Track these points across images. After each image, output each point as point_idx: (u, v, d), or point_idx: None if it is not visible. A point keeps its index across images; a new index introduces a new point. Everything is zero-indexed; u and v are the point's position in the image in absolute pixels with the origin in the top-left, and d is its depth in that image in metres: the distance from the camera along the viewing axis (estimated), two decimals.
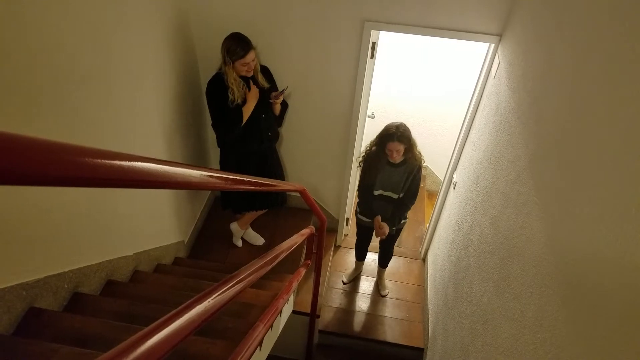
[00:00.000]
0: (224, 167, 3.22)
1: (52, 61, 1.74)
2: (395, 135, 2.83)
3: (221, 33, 2.80)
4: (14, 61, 1.56)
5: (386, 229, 3.12)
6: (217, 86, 2.82)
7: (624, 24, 1.28)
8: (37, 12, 1.64)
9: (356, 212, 3.48)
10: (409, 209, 3.21)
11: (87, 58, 1.96)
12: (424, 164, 3.14)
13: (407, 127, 2.89)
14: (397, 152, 2.88)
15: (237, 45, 2.68)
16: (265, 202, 3.50)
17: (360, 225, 3.56)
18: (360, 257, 3.93)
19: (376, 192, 3.15)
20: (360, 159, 3.17)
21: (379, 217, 3.14)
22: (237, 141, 3.04)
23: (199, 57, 3.26)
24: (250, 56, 2.73)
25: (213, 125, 2.98)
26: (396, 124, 2.88)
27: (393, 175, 3.04)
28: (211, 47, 3.08)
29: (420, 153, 3.02)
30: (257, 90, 2.90)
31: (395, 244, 3.65)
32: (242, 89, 2.84)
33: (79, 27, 1.88)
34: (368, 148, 3.10)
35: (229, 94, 2.80)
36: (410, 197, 3.14)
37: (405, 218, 3.35)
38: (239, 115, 2.85)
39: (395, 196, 3.13)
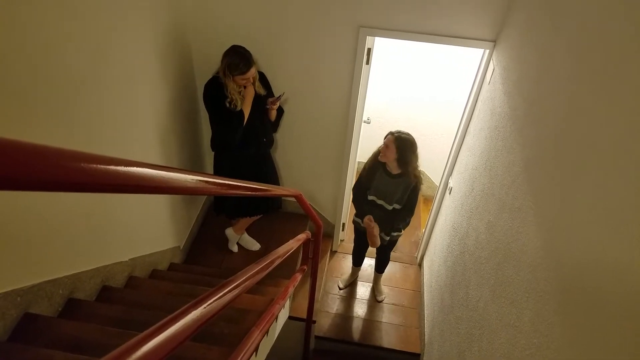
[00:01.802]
0: (218, 172, 3.22)
1: (48, 66, 1.74)
2: (395, 133, 2.84)
3: (218, 41, 2.81)
4: (10, 66, 1.56)
5: (376, 229, 3.08)
6: (216, 89, 2.83)
7: (619, 27, 1.29)
8: (34, 18, 1.63)
9: (354, 216, 3.46)
10: (405, 222, 3.17)
11: (84, 64, 1.96)
12: (422, 171, 3.11)
13: (413, 140, 2.88)
14: (386, 149, 2.87)
15: (239, 61, 2.70)
16: (260, 207, 3.49)
17: (357, 231, 3.56)
18: (357, 262, 3.93)
19: (370, 197, 3.14)
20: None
21: (370, 217, 3.07)
22: (233, 146, 3.04)
23: (195, 63, 3.27)
24: (252, 72, 2.75)
25: (215, 129, 2.98)
26: (405, 131, 2.89)
27: (389, 185, 3.01)
28: (208, 55, 3.09)
29: (420, 172, 3.00)
30: (252, 87, 2.91)
31: (392, 250, 3.64)
32: (240, 94, 2.85)
33: (77, 33, 1.88)
34: (375, 151, 3.09)
35: (227, 103, 2.81)
36: (407, 212, 3.10)
37: (400, 231, 3.33)
38: (240, 114, 2.86)
39: (389, 207, 3.08)
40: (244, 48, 2.74)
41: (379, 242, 3.18)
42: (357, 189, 3.20)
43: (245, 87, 2.86)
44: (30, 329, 1.78)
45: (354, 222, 3.44)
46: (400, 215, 3.11)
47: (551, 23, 1.87)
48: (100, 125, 2.15)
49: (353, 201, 3.28)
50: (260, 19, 2.94)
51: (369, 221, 3.04)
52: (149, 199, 2.82)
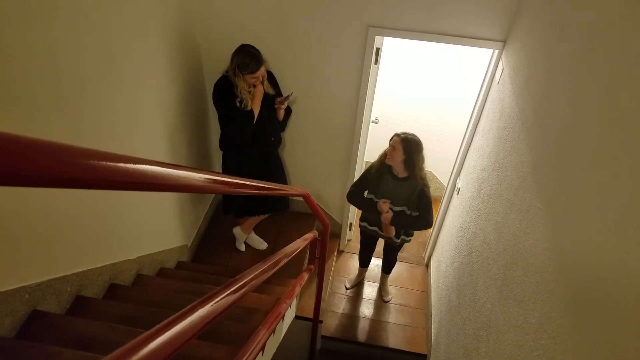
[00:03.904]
0: (225, 171, 3.23)
1: (56, 65, 1.75)
2: (401, 134, 2.83)
3: (227, 41, 2.82)
4: (18, 65, 1.57)
5: (389, 214, 2.98)
6: (226, 88, 2.84)
7: (628, 28, 1.28)
8: (42, 17, 1.65)
9: (360, 220, 3.44)
10: (417, 229, 3.14)
11: (92, 62, 1.97)
12: (430, 172, 3.08)
13: (419, 141, 2.84)
14: (392, 150, 2.83)
15: (249, 60, 2.71)
16: (267, 206, 3.50)
17: (363, 233, 3.54)
18: (364, 264, 3.92)
19: (375, 200, 3.09)
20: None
21: (386, 201, 2.97)
22: (241, 145, 3.04)
23: (204, 62, 3.28)
24: (262, 71, 2.77)
25: (224, 127, 2.99)
26: (411, 132, 2.87)
27: (395, 189, 2.97)
28: (216, 54, 3.10)
29: (426, 174, 2.95)
30: (262, 86, 2.91)
31: (399, 251, 3.63)
32: (250, 93, 2.86)
33: (84, 32, 1.89)
34: (381, 155, 3.05)
35: (237, 103, 2.82)
36: (423, 221, 3.03)
37: (412, 234, 3.31)
38: (250, 113, 2.87)
39: (396, 209, 3.04)
40: (253, 47, 2.75)
41: (393, 232, 3.14)
42: (354, 188, 3.15)
43: (254, 86, 2.86)
44: (38, 326, 1.79)
45: (361, 226, 3.43)
46: (416, 224, 3.06)
47: (560, 24, 1.86)
48: (108, 123, 2.17)
49: (349, 202, 3.24)
50: (268, 19, 2.95)
51: (383, 204, 2.96)
52: (157, 197, 2.84)
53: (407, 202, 2.99)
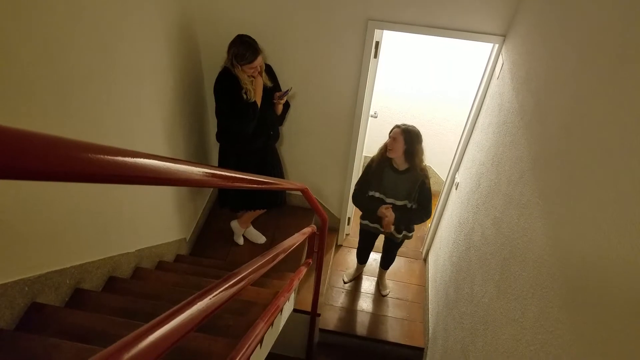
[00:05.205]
0: (223, 165, 3.21)
1: (55, 59, 1.74)
2: (401, 126, 2.85)
3: (225, 33, 2.80)
4: (19, 60, 1.56)
5: (391, 216, 3.02)
6: (230, 81, 2.81)
7: (629, 24, 1.27)
8: (42, 12, 1.64)
9: (361, 218, 3.43)
10: (418, 221, 3.14)
11: (91, 57, 1.96)
12: (429, 167, 3.07)
13: (419, 132, 2.86)
14: (393, 142, 2.85)
15: (246, 50, 2.68)
16: (264, 201, 3.49)
17: (363, 230, 3.52)
18: (362, 261, 3.92)
19: (378, 196, 3.09)
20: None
21: (388, 207, 3.02)
22: (240, 139, 3.03)
23: (203, 56, 3.26)
24: (259, 61, 2.73)
25: (226, 120, 2.95)
26: (411, 125, 2.88)
27: (396, 182, 2.99)
28: (215, 47, 3.08)
29: (425, 166, 2.97)
30: (261, 77, 2.89)
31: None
32: (252, 84, 2.84)
33: (84, 26, 1.88)
34: (381, 148, 3.06)
35: (243, 94, 2.80)
36: (424, 212, 3.05)
37: (413, 230, 3.31)
38: (255, 105, 2.86)
39: (399, 203, 3.05)
40: (249, 37, 2.72)
41: (393, 228, 3.15)
42: (358, 188, 3.17)
43: (253, 77, 2.84)
44: (37, 318, 1.80)
45: (362, 224, 3.40)
46: (417, 215, 3.08)
47: (560, 19, 1.86)
48: (107, 118, 2.16)
49: (355, 204, 3.25)
50: (268, 11, 2.93)
51: (385, 210, 3.00)
52: (155, 191, 2.83)
53: (408, 196, 3.00)
